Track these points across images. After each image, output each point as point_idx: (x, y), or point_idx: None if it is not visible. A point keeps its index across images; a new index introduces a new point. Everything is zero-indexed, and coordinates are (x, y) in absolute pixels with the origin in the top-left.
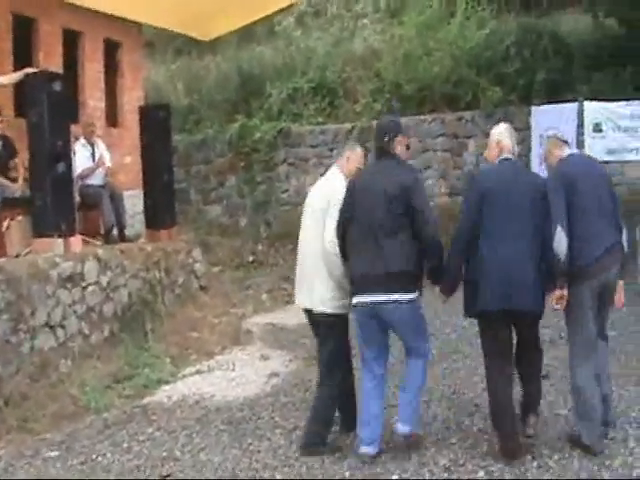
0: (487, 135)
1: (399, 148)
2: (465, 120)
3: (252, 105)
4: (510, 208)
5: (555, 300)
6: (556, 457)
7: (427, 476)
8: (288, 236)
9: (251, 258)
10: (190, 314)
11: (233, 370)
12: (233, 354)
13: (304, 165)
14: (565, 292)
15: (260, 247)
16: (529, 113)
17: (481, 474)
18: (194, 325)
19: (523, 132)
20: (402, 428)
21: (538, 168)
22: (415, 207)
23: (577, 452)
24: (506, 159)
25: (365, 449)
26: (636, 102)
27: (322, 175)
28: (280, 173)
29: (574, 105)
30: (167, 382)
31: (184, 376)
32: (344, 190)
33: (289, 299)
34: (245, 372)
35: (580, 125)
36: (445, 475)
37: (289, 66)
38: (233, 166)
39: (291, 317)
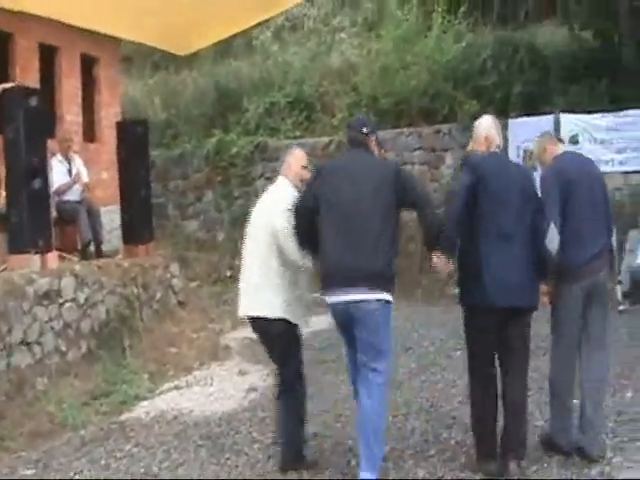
0: (464, 147)
1: (373, 145)
2: (442, 133)
3: (229, 120)
4: (507, 200)
5: (543, 298)
6: (534, 468)
7: None
8: None
9: (229, 273)
10: (168, 329)
11: (211, 385)
12: (211, 369)
13: None
14: (550, 288)
15: (237, 262)
16: (506, 126)
17: None
18: (172, 340)
19: (500, 144)
20: (365, 475)
21: None
22: (406, 182)
23: (555, 462)
24: (494, 153)
25: (364, 475)
26: (612, 114)
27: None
28: (257, 188)
29: (550, 117)
30: (145, 398)
31: (162, 392)
32: (292, 196)
33: None
34: (223, 387)
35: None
36: None
37: (266, 80)
38: (210, 181)
39: None
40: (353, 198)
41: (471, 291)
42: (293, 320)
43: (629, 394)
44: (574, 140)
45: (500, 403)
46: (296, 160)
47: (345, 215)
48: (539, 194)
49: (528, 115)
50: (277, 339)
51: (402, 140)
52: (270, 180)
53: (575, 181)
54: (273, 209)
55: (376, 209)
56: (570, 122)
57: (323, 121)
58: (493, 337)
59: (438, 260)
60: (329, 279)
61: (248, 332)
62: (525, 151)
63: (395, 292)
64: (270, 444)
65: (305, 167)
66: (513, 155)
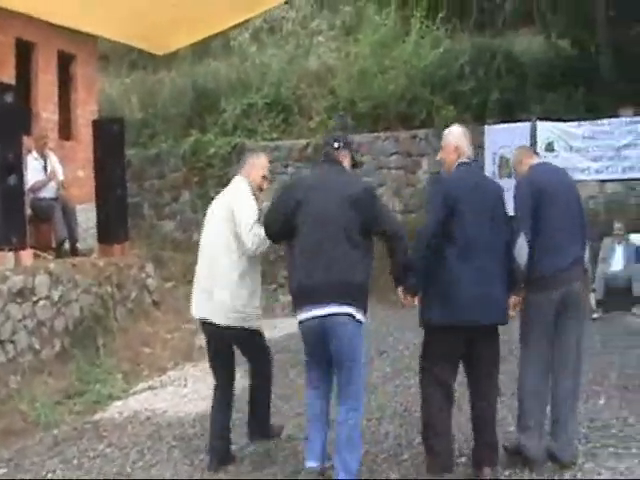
0: None
1: (345, 161)
2: (419, 138)
3: (206, 120)
4: (478, 216)
5: (512, 307)
6: (507, 473)
7: None
8: None
9: None
10: (142, 329)
11: (185, 386)
12: (185, 370)
13: None
14: (520, 299)
15: None
16: (483, 132)
17: None
18: (146, 340)
19: (476, 150)
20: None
21: None
22: (375, 208)
23: (527, 468)
24: (464, 163)
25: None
26: (588, 122)
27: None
28: None
29: (527, 124)
30: (119, 398)
31: (136, 392)
32: (249, 194)
33: None
34: (197, 388)
35: (533, 144)
36: None
37: (244, 82)
38: (187, 181)
39: None
40: (323, 213)
41: (439, 309)
42: (247, 326)
43: (601, 401)
44: (550, 148)
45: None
46: (260, 164)
47: (315, 231)
48: (511, 206)
49: (505, 122)
50: (228, 347)
51: (379, 144)
52: None
53: (548, 191)
54: (232, 200)
55: (343, 226)
56: (546, 130)
57: (300, 124)
58: (459, 355)
59: (403, 297)
60: (300, 296)
61: None
62: (502, 158)
63: (367, 310)
64: (244, 445)
65: (265, 177)
66: (489, 161)
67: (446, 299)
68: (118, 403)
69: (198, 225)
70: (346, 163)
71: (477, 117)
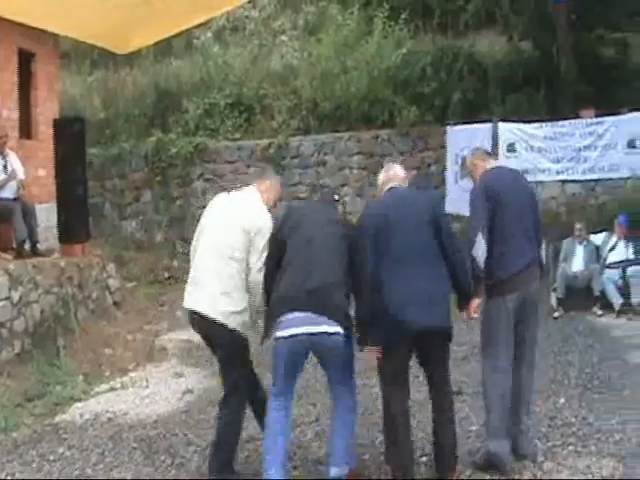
0: (403, 154)
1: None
2: (381, 139)
3: (168, 120)
4: (407, 231)
5: (472, 309)
6: (468, 472)
7: None
8: None
9: (166, 274)
10: (103, 330)
11: (147, 387)
12: (147, 371)
13: (220, 181)
14: (478, 302)
15: (175, 263)
16: (444, 133)
17: None
18: (107, 341)
19: (438, 151)
20: (332, 470)
21: (453, 186)
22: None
23: (499, 473)
24: (393, 187)
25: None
26: (549, 123)
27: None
28: (196, 189)
29: (489, 125)
30: (79, 400)
31: (97, 393)
32: (271, 223)
33: None
34: (159, 389)
35: (495, 145)
36: None
37: (206, 81)
38: (149, 181)
39: None
40: (314, 236)
41: (382, 327)
42: (243, 330)
43: (561, 400)
44: (512, 149)
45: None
46: (277, 188)
47: (306, 251)
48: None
49: (467, 123)
50: (221, 346)
51: (341, 145)
52: (209, 181)
53: (502, 196)
54: (253, 209)
55: (333, 250)
56: (508, 131)
57: (262, 124)
58: (406, 368)
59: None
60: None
61: (185, 334)
62: (463, 158)
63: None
64: (206, 447)
65: (279, 201)
66: (451, 162)
67: (385, 317)
68: (79, 405)
69: (160, 225)
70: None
71: (439, 118)
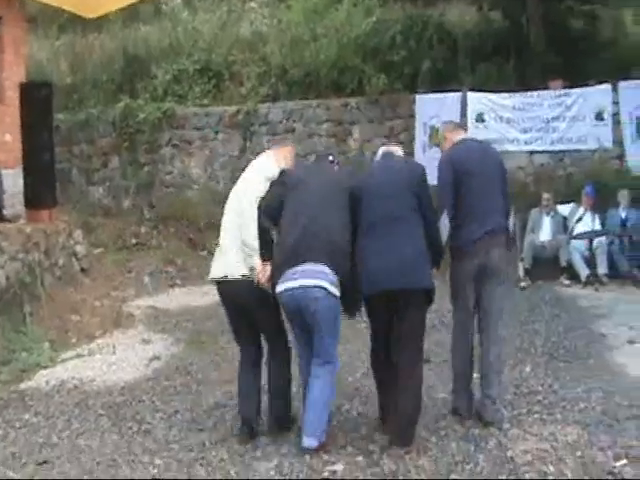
0: (371, 121)
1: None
2: (350, 107)
3: (137, 85)
4: (383, 194)
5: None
6: (434, 439)
7: (307, 459)
8: (172, 218)
9: (134, 240)
10: (70, 297)
11: (114, 354)
12: (114, 337)
13: (188, 147)
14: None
15: (143, 229)
16: (413, 101)
17: (360, 458)
18: (74, 308)
19: (407, 120)
20: (309, 442)
21: (422, 155)
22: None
23: (454, 434)
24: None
25: (308, 441)
26: (518, 94)
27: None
28: (164, 155)
29: (458, 95)
30: (45, 366)
31: (63, 360)
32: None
33: (172, 282)
34: (126, 356)
35: (463, 115)
36: (325, 457)
37: (175, 47)
38: (117, 147)
39: (173, 301)
40: (316, 196)
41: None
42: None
43: (527, 368)
44: (480, 118)
45: None
46: (292, 154)
47: (307, 209)
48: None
49: (436, 92)
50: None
51: (310, 112)
52: (177, 147)
53: (467, 167)
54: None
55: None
56: (477, 100)
57: (231, 90)
58: (384, 322)
59: None
60: (285, 265)
61: (152, 300)
62: (432, 127)
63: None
64: (172, 413)
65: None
66: (420, 131)
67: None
68: (45, 372)
69: (128, 191)
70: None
71: (408, 86)
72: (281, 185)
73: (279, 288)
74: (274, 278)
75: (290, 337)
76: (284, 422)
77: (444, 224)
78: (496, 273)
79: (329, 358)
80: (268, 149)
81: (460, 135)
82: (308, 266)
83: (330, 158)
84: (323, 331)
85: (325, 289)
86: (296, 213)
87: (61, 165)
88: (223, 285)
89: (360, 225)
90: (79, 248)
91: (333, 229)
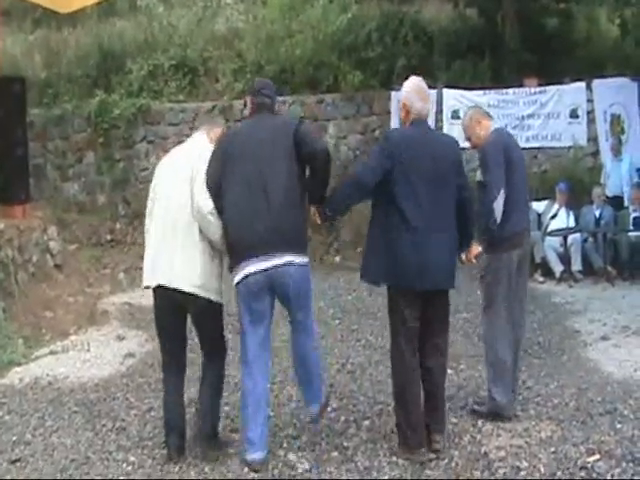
0: (347, 118)
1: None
2: (326, 103)
3: (112, 81)
4: (428, 173)
5: (473, 254)
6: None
7: (281, 454)
8: None
9: (109, 237)
10: (44, 293)
11: (88, 350)
12: (88, 334)
13: (164, 143)
14: (479, 250)
15: (118, 226)
16: (389, 98)
17: (335, 454)
18: (48, 305)
19: (383, 117)
20: (314, 408)
21: None
22: (302, 133)
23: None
24: (416, 122)
25: (254, 455)
26: (493, 91)
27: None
28: (139, 151)
29: (433, 92)
30: (19, 363)
31: (37, 357)
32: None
33: None
34: (100, 352)
35: (439, 111)
36: (299, 454)
37: (150, 42)
38: (92, 142)
39: (148, 297)
40: (260, 156)
41: (386, 269)
42: (214, 298)
43: None
44: (456, 115)
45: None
46: (220, 129)
47: (253, 176)
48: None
49: None
50: (200, 316)
51: (285, 108)
52: (152, 143)
53: (513, 156)
54: (196, 158)
55: (282, 167)
56: (452, 97)
57: (206, 86)
58: (415, 320)
59: (315, 215)
60: (243, 247)
61: (127, 297)
62: None
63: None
64: (147, 410)
65: None
66: (395, 127)
67: (400, 261)
68: (19, 369)
69: (103, 187)
70: (277, 110)
71: (384, 83)
72: (215, 160)
73: (243, 272)
74: (230, 263)
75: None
76: (216, 443)
77: (499, 203)
78: (527, 264)
79: (313, 331)
80: (198, 129)
81: (492, 123)
82: (274, 258)
83: (270, 94)
84: (304, 305)
85: (297, 264)
86: (242, 192)
87: (35, 160)
88: (166, 292)
89: (401, 192)
90: (53, 244)
91: (286, 214)
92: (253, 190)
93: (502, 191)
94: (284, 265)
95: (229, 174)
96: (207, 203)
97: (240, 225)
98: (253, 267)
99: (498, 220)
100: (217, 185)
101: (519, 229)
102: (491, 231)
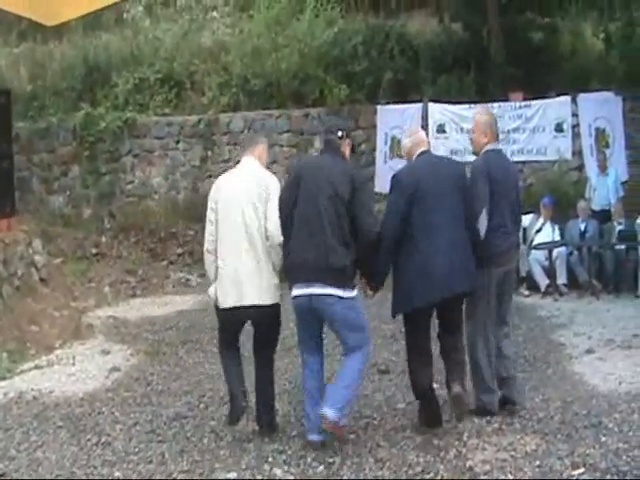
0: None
1: (346, 149)
2: (312, 117)
3: (98, 94)
4: (436, 200)
5: None
6: (394, 450)
7: (266, 469)
8: (132, 228)
9: (94, 250)
10: (29, 307)
11: (73, 365)
12: (73, 348)
13: (149, 157)
14: None
15: (104, 239)
16: (375, 112)
17: (320, 468)
18: (33, 318)
19: (369, 130)
20: (331, 414)
21: (383, 166)
22: (359, 198)
23: (414, 444)
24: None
25: (330, 412)
26: (479, 105)
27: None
28: (125, 164)
29: (419, 106)
30: (4, 378)
31: (22, 371)
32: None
33: (132, 292)
34: (85, 367)
35: (425, 126)
36: (285, 468)
37: (136, 56)
38: (77, 156)
39: (133, 311)
40: (315, 196)
41: (403, 297)
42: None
43: None
44: (441, 129)
45: None
46: (266, 149)
47: (309, 214)
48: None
49: (397, 103)
50: (272, 324)
51: (271, 122)
52: (138, 157)
53: (498, 178)
54: (269, 183)
55: (333, 207)
56: (438, 111)
57: (192, 100)
58: (428, 328)
59: (369, 288)
60: (294, 273)
61: (112, 311)
62: (393, 138)
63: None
64: (132, 424)
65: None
66: (381, 142)
67: (416, 283)
68: (3, 383)
69: (88, 201)
70: (347, 152)
71: (370, 97)
72: (290, 187)
73: (294, 292)
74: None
75: None
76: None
77: (483, 222)
78: (513, 282)
79: (360, 343)
80: (243, 153)
81: (492, 143)
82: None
83: (339, 134)
84: (346, 329)
85: (337, 296)
86: (300, 225)
87: (21, 173)
88: (235, 311)
89: (415, 222)
90: (38, 258)
91: (334, 250)
92: (311, 227)
93: (483, 213)
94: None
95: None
96: (279, 234)
97: (296, 254)
98: (300, 291)
99: (482, 236)
100: (288, 210)
101: (505, 247)
102: (477, 246)
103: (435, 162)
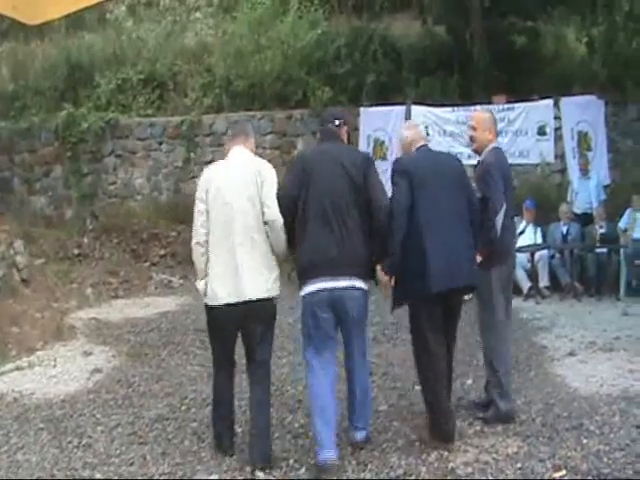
0: (316, 134)
1: (344, 137)
2: (295, 119)
3: (80, 94)
4: (440, 190)
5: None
6: (376, 453)
7: (248, 471)
8: (115, 229)
9: (76, 251)
10: (10, 308)
11: (54, 366)
12: (55, 350)
13: (132, 158)
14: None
15: (86, 240)
16: (358, 114)
17: (302, 471)
18: (14, 320)
19: (351, 133)
20: (360, 436)
21: None
22: (371, 182)
23: (396, 447)
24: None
25: (327, 453)
26: (462, 108)
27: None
28: (107, 165)
29: (402, 108)
30: None
31: (2, 373)
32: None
33: (114, 294)
34: (67, 368)
35: None
36: (268, 471)
37: (119, 56)
38: (59, 156)
39: (116, 312)
40: (331, 186)
41: (409, 286)
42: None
43: (469, 381)
44: (425, 132)
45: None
46: (253, 138)
47: (324, 203)
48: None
49: (380, 105)
50: (269, 321)
51: (254, 124)
52: (120, 157)
53: (506, 175)
54: (261, 170)
55: (353, 197)
56: (421, 114)
57: (175, 101)
58: (439, 319)
59: (384, 274)
60: (313, 267)
61: (94, 312)
62: (376, 140)
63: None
64: (114, 426)
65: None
66: (363, 144)
67: (422, 271)
68: None
69: (70, 201)
70: (345, 140)
71: (353, 99)
72: (298, 173)
73: (310, 288)
74: (300, 277)
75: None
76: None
77: (499, 222)
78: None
79: (364, 348)
80: (232, 144)
81: (495, 141)
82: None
83: (336, 122)
84: (359, 329)
85: (360, 288)
86: (317, 220)
87: (2, 174)
88: (230, 308)
89: (419, 216)
90: (20, 259)
91: (357, 243)
92: (332, 221)
93: (501, 211)
94: (350, 288)
95: (308, 199)
96: (279, 217)
97: (317, 251)
98: (320, 285)
99: (498, 234)
100: (293, 200)
101: (512, 246)
102: (492, 244)
103: (435, 155)
